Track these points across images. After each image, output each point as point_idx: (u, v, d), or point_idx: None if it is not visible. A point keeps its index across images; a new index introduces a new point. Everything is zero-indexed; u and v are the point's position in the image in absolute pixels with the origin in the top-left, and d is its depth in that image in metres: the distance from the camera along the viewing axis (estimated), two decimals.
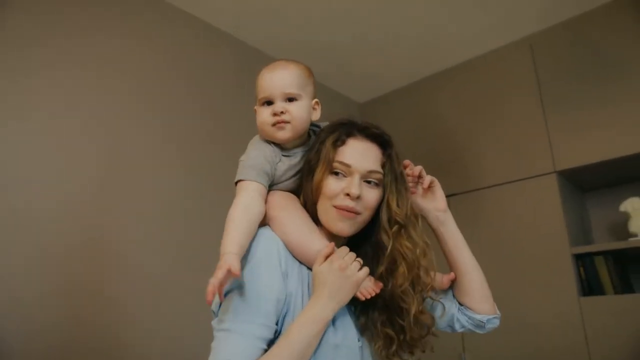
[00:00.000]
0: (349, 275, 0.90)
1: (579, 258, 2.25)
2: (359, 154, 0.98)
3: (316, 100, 1.08)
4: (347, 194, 0.94)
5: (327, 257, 0.92)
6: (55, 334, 1.64)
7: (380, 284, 0.95)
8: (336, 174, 0.97)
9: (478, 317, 1.10)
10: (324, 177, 0.97)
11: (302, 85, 1.03)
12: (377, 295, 0.95)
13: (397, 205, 0.98)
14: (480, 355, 2.39)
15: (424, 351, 1.01)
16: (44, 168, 1.74)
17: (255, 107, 1.06)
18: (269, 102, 1.02)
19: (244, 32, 2.60)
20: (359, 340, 0.97)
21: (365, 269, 0.93)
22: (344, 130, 1.01)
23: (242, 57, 2.63)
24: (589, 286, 2.20)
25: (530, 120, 2.50)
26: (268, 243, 0.92)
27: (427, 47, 2.76)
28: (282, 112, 0.99)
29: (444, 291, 1.14)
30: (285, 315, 0.90)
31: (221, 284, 0.78)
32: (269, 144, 1.03)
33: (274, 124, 1.00)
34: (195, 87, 2.34)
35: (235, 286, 0.86)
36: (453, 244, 1.12)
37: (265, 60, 2.63)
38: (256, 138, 1.06)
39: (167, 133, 2.17)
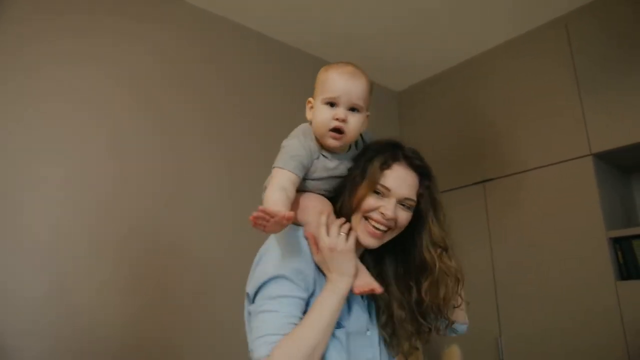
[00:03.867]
0: (341, 250, 1.00)
1: (617, 242, 2.21)
2: (400, 180, 1.07)
3: (368, 113, 1.12)
4: (382, 213, 1.05)
5: (316, 246, 1.03)
6: (124, 328, 1.91)
7: (377, 288, 1.04)
8: (377, 193, 1.06)
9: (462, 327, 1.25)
10: (366, 195, 1.06)
11: (366, 99, 1.07)
12: (409, 304, 1.12)
13: (438, 231, 1.11)
14: (516, 339, 2.41)
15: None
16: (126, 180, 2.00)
17: (312, 100, 1.10)
18: (332, 104, 1.04)
19: (270, 29, 2.72)
20: (368, 330, 1.09)
21: (351, 236, 1.04)
22: (391, 154, 1.10)
23: (273, 53, 2.76)
24: (627, 270, 2.16)
25: (566, 102, 2.45)
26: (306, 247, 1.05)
27: (461, 31, 2.75)
28: (343, 120, 1.03)
29: None
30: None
31: (269, 219, 0.88)
32: (314, 140, 1.08)
33: (332, 129, 1.04)
34: (233, 88, 2.51)
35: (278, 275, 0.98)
36: None
37: (296, 55, 2.83)
38: (305, 127, 1.10)
39: (209, 133, 2.37)
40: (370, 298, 1.14)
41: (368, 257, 1.14)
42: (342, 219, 1.07)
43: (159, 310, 2.01)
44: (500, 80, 2.79)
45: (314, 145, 1.08)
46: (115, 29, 2.16)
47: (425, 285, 1.09)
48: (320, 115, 1.05)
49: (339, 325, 1.01)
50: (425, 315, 1.12)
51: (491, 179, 2.71)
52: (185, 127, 2.29)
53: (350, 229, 1.06)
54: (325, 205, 1.09)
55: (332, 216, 1.08)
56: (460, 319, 1.22)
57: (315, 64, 2.89)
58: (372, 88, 1.11)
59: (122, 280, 1.94)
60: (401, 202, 1.07)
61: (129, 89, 2.15)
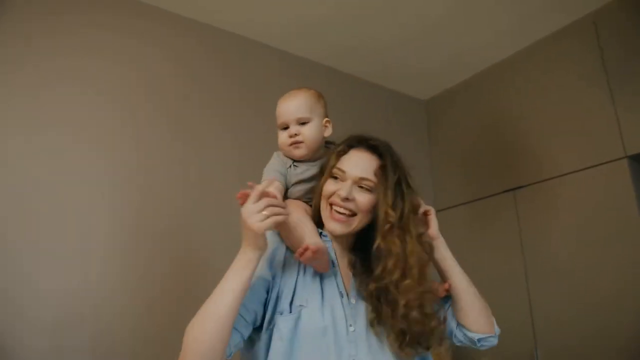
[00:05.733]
0: (251, 226, 0.93)
1: None
2: (354, 163, 1.12)
3: (327, 119, 1.25)
4: (338, 194, 1.09)
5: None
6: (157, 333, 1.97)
7: (312, 248, 1.01)
8: (335, 178, 1.12)
9: (471, 334, 1.15)
10: (326, 181, 1.13)
11: (311, 109, 1.21)
12: (382, 291, 1.05)
13: (390, 208, 1.07)
14: (554, 350, 2.30)
15: (440, 344, 1.08)
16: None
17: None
18: (286, 127, 1.21)
19: (290, 44, 2.75)
20: (350, 326, 1.05)
21: (271, 219, 0.95)
22: (349, 142, 1.17)
23: (293, 68, 2.79)
24: None
25: (597, 103, 2.34)
26: (271, 238, 1.11)
27: (485, 36, 2.69)
28: (295, 134, 1.19)
29: (444, 304, 1.20)
30: (275, 298, 1.05)
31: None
32: (284, 156, 1.25)
33: (290, 144, 1.19)
34: (255, 102, 2.56)
35: None
36: (444, 267, 1.17)
37: (317, 69, 2.84)
38: (277, 152, 1.28)
39: (233, 144, 2.44)
40: (360, 298, 1.11)
41: (358, 256, 1.17)
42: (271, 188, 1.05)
43: (184, 317, 2.05)
44: (528, 84, 2.71)
45: (286, 158, 1.24)
46: (143, 46, 2.29)
47: (378, 269, 1.05)
48: (280, 139, 1.22)
49: (291, 305, 1.03)
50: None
51: (522, 187, 2.62)
52: (210, 139, 2.37)
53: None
54: (300, 208, 1.18)
55: (306, 218, 1.14)
56: (479, 330, 1.14)
57: (337, 78, 2.98)
58: (319, 97, 1.25)
59: (147, 289, 2.00)
60: (359, 184, 1.10)
61: (156, 104, 2.25)
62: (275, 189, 1.11)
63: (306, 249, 1.00)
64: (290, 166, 1.23)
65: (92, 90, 2.09)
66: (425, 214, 1.18)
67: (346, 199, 1.08)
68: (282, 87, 1.30)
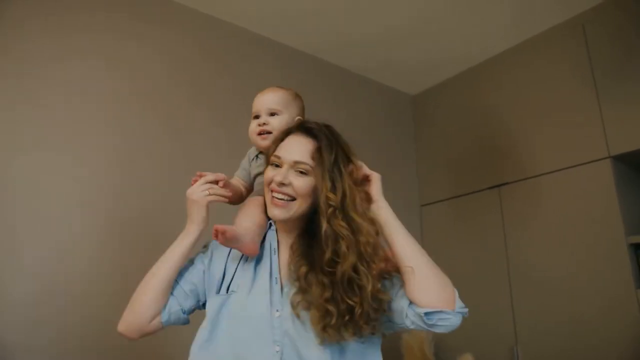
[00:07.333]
0: (194, 199, 1.13)
1: (638, 248, 2.11)
2: (289, 148, 1.12)
3: (299, 117, 1.29)
4: (274, 180, 1.10)
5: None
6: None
7: (225, 229, 1.06)
8: (275, 165, 1.12)
9: (417, 310, 0.98)
10: (267, 170, 1.14)
11: (284, 104, 1.27)
12: (324, 274, 1.02)
13: (330, 191, 1.04)
14: (533, 348, 2.33)
15: (373, 333, 1.04)
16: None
17: None
18: (257, 117, 1.28)
19: (283, 35, 2.72)
20: (277, 311, 1.05)
21: (214, 196, 1.14)
22: (288, 129, 1.18)
23: (286, 60, 2.76)
24: None
25: (583, 103, 2.36)
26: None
27: (475, 33, 2.69)
28: (264, 123, 1.25)
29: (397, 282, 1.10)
30: (212, 281, 1.15)
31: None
32: (254, 145, 1.33)
33: (259, 133, 1.26)
34: (243, 93, 2.51)
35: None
36: (387, 232, 1.07)
37: (309, 61, 2.81)
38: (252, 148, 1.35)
39: (217, 134, 2.38)
40: (294, 283, 1.08)
41: (301, 243, 1.13)
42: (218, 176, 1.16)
43: None
44: (516, 82, 2.72)
45: (253, 151, 1.33)
46: (131, 34, 2.23)
47: (327, 254, 1.01)
48: (250, 127, 1.29)
49: (228, 289, 1.11)
50: (350, 295, 0.99)
51: (507, 183, 2.64)
52: (194, 128, 2.31)
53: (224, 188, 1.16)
54: (254, 202, 1.23)
55: (253, 208, 1.21)
56: (426, 304, 0.98)
57: (328, 70, 2.96)
58: (295, 96, 1.32)
59: (123, 278, 1.92)
60: (295, 168, 1.10)
61: (139, 90, 2.19)
62: (235, 180, 1.30)
63: (215, 231, 1.05)
64: (253, 158, 1.30)
65: (74, 80, 2.03)
66: (366, 179, 1.12)
67: (282, 184, 1.08)
68: (270, 76, 1.31)
